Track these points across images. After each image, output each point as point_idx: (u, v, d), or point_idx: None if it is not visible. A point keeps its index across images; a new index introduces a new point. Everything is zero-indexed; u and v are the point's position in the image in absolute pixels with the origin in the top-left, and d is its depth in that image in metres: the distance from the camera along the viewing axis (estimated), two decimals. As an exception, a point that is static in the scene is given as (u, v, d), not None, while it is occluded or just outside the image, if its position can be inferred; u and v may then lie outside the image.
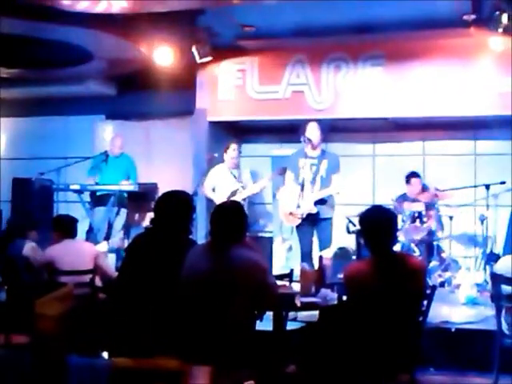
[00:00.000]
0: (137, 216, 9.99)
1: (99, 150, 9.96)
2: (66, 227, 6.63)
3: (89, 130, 11.15)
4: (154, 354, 3.91)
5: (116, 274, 6.25)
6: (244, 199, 8.73)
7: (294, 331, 4.81)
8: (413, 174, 8.94)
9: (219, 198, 8.48)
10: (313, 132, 8.01)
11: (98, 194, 9.49)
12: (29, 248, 6.83)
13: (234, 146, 9.12)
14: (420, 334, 4.39)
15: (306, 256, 7.89)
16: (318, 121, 8.23)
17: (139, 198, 9.54)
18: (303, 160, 7.98)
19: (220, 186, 9.01)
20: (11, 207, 10.55)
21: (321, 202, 7.92)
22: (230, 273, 4.10)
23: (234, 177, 9.04)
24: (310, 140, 7.93)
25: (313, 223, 7.96)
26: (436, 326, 6.05)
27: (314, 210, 7.86)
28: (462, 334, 6.12)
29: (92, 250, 6.67)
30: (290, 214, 7.99)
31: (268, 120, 9.95)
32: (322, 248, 7.81)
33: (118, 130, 10.76)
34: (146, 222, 9.44)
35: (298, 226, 8.06)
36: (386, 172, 10.04)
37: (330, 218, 8.05)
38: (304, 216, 7.88)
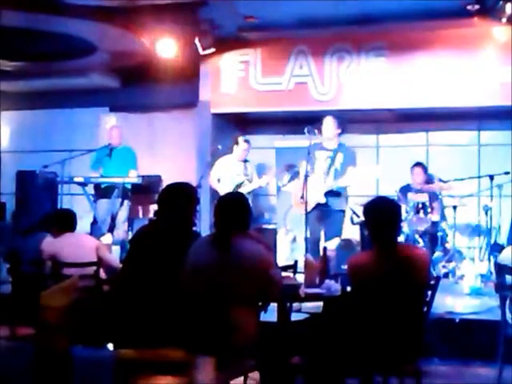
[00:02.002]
0: (141, 208, 10.00)
1: (103, 142, 9.97)
2: (65, 222, 6.64)
3: (92, 122, 11.17)
4: (158, 345, 3.92)
5: (120, 264, 6.29)
6: (249, 192, 8.74)
7: (298, 322, 4.81)
8: (417, 164, 8.94)
9: (224, 190, 8.50)
10: (328, 126, 7.99)
11: (102, 186, 9.49)
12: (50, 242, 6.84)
13: (243, 139, 9.13)
14: (424, 325, 4.39)
15: (314, 245, 7.84)
16: (335, 115, 8.16)
17: (143, 190, 9.54)
18: (319, 152, 7.97)
19: (226, 177, 9.02)
20: (15, 200, 10.57)
21: (333, 194, 7.88)
22: (234, 264, 4.10)
23: (241, 169, 9.05)
24: (314, 132, 7.89)
25: (323, 213, 7.92)
26: (440, 317, 6.06)
27: (322, 200, 7.82)
28: (466, 325, 6.13)
29: (93, 242, 6.66)
30: (300, 202, 7.93)
31: (271, 112, 9.95)
32: (328, 238, 7.77)
33: (121, 122, 10.78)
34: (150, 214, 9.45)
35: (307, 214, 7.99)
36: (389, 163, 10.03)
37: (343, 211, 8.01)
38: (313, 205, 7.82)
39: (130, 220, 9.64)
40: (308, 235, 8.03)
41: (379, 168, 8.28)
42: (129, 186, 9.41)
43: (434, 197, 8.59)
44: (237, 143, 9.07)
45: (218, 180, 9.06)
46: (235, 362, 4.05)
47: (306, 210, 7.79)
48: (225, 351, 3.98)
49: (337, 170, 7.90)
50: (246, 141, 9.11)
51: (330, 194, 7.88)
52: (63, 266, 6.15)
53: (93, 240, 6.87)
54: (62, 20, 8.61)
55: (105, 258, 6.52)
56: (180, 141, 10.61)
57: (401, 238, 7.69)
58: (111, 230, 9.24)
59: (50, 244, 6.53)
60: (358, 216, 7.93)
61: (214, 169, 9.12)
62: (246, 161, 9.15)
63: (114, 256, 7.55)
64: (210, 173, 9.13)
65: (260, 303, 4.34)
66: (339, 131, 8.04)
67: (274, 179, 9.51)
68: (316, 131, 7.89)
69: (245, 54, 9.84)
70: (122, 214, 9.50)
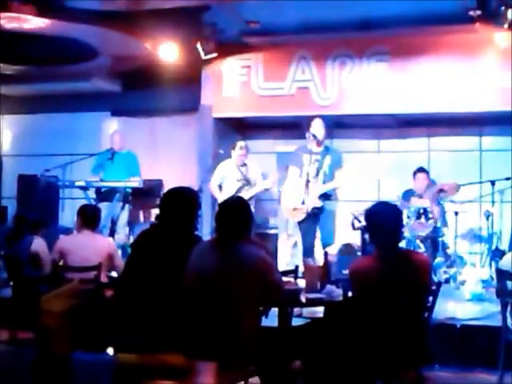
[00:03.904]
0: (142, 212, 9.99)
1: (105, 146, 9.96)
2: (87, 216, 6.65)
3: (94, 126, 11.17)
4: (159, 350, 3.92)
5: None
6: (251, 197, 8.73)
7: (299, 327, 4.81)
8: (420, 170, 8.93)
9: (225, 194, 8.55)
10: (318, 128, 7.99)
11: (103, 190, 9.47)
12: (38, 244, 6.85)
13: (241, 144, 9.11)
14: (425, 330, 4.38)
15: (308, 252, 7.88)
16: (323, 117, 8.19)
17: (144, 195, 9.53)
18: (307, 156, 7.95)
19: (227, 181, 9.01)
20: (17, 204, 10.57)
21: (325, 196, 7.90)
22: (235, 269, 4.10)
23: (241, 173, 9.04)
24: (315, 136, 7.92)
25: (316, 218, 7.93)
26: (441, 323, 6.04)
27: (318, 204, 7.84)
28: (468, 331, 6.11)
29: (107, 247, 6.64)
30: (294, 209, 7.98)
31: (273, 116, 9.96)
32: (324, 243, 7.78)
33: (123, 127, 10.78)
34: (152, 219, 9.44)
35: (300, 222, 8.04)
36: (391, 168, 10.04)
37: (333, 211, 8.00)
38: (309, 211, 7.86)
39: (131, 224, 9.63)
40: (303, 242, 8.07)
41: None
42: (130, 190, 9.39)
43: (435, 202, 8.57)
44: (234, 148, 9.06)
45: (220, 186, 9.05)
46: (236, 367, 4.04)
47: (306, 212, 7.82)
48: (225, 356, 3.97)
49: (325, 173, 7.91)
50: (243, 146, 9.08)
51: (324, 197, 7.90)
52: (64, 269, 6.16)
53: (109, 244, 6.85)
54: (64, 24, 8.62)
55: (116, 265, 6.52)
56: (181, 145, 10.61)
57: (402, 244, 7.67)
58: (112, 234, 9.23)
59: (61, 240, 6.57)
60: (360, 221, 7.93)
61: (215, 175, 9.10)
62: (245, 165, 9.12)
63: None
64: (211, 179, 9.11)
65: (261, 308, 4.33)
66: (327, 133, 8.04)
67: (276, 184, 9.49)
68: (308, 134, 7.91)
69: (247, 58, 9.85)
70: (123, 218, 9.49)
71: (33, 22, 8.45)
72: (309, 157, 7.93)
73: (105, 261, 6.29)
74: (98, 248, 6.46)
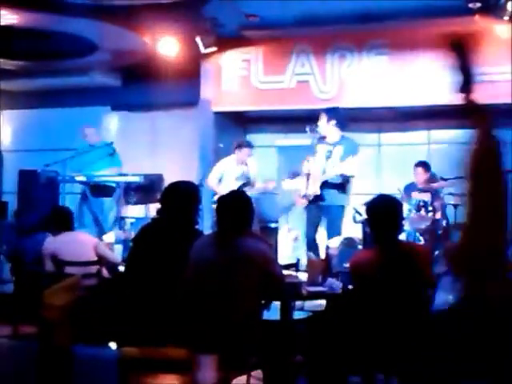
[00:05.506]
0: (143, 207, 9.99)
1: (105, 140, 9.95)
2: (62, 220, 6.64)
3: (94, 121, 11.16)
4: (161, 343, 3.93)
5: (120, 261, 6.31)
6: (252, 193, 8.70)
7: (300, 320, 4.82)
8: (418, 164, 8.92)
9: (223, 191, 8.56)
10: (322, 122, 7.93)
11: (105, 184, 9.44)
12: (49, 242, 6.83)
13: (245, 142, 9.07)
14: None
15: (310, 243, 7.84)
16: (333, 110, 8.09)
17: (145, 189, 9.53)
18: (320, 146, 7.88)
19: (226, 178, 8.98)
20: (17, 199, 10.57)
21: (330, 185, 7.79)
22: (236, 263, 4.11)
23: (241, 172, 8.99)
24: (314, 130, 7.88)
25: (320, 208, 7.86)
26: (442, 315, 6.05)
27: (317, 192, 7.78)
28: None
29: (90, 240, 6.66)
30: (303, 196, 7.93)
31: (273, 110, 9.95)
32: (329, 237, 7.74)
33: (123, 121, 10.78)
34: (153, 213, 9.43)
35: (306, 208, 7.95)
36: (391, 161, 10.03)
37: (342, 206, 7.88)
38: (310, 198, 7.81)
39: (133, 218, 9.62)
40: (306, 231, 8.05)
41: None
42: (131, 185, 9.38)
43: (436, 195, 8.59)
44: (238, 147, 8.97)
45: (219, 180, 9.00)
46: (238, 360, 4.05)
47: (307, 199, 7.80)
48: (228, 349, 3.98)
49: (335, 162, 7.79)
50: (248, 145, 9.01)
51: (326, 185, 7.78)
52: (65, 264, 6.17)
53: (90, 238, 6.87)
54: (63, 19, 8.62)
55: (104, 255, 6.52)
56: (182, 139, 10.61)
57: (402, 236, 7.68)
58: (113, 228, 9.23)
59: (49, 243, 6.54)
60: (361, 214, 7.93)
61: (214, 170, 9.04)
62: (246, 164, 9.04)
63: (114, 252, 7.55)
64: (210, 174, 9.06)
65: (263, 301, 4.34)
66: (334, 123, 7.86)
67: (276, 178, 9.49)
68: (317, 130, 7.88)
69: (246, 52, 9.84)
70: (125, 212, 9.49)
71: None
72: (321, 146, 7.88)
73: (95, 253, 6.34)
74: (84, 243, 6.49)
